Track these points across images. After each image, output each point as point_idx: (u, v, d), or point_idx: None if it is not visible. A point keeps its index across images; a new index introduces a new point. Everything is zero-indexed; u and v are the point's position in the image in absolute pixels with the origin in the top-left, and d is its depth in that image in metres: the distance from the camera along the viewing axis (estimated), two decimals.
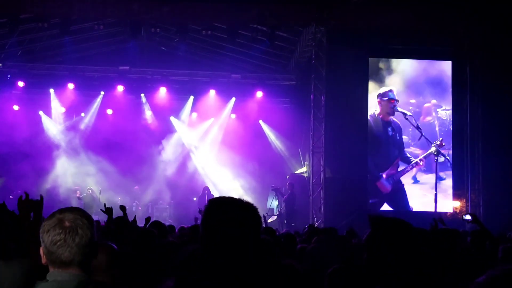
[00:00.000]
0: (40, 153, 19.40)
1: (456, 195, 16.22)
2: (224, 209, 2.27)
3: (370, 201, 16.09)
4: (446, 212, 15.62)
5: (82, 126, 20.55)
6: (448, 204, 16.08)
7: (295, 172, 18.89)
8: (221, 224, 2.22)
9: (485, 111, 16.12)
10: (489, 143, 15.95)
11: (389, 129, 16.43)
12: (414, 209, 16.02)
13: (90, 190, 18.80)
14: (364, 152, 16.17)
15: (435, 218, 7.13)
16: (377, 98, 16.42)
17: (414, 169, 16.29)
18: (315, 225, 13.28)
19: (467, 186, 16.22)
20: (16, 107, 19.83)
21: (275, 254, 4.39)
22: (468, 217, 7.13)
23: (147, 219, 7.52)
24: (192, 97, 20.42)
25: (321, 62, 16.61)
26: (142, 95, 20.40)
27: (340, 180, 15.64)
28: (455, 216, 15.50)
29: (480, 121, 16.19)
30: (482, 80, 16.19)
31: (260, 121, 20.65)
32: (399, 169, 16.25)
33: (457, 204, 16.18)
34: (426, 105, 16.64)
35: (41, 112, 20.27)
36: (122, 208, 7.07)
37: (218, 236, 2.21)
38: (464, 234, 7.45)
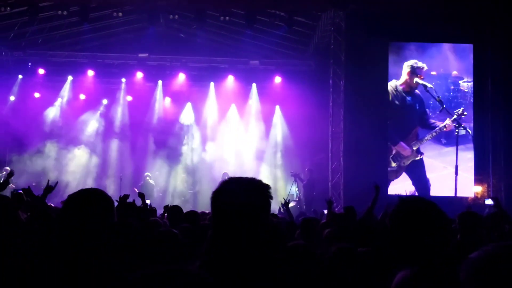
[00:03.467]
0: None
1: (478, 180, 16.09)
2: (231, 189, 2.17)
3: (388, 168, 16.14)
4: (467, 197, 15.52)
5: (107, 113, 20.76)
6: (469, 187, 15.96)
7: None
8: (228, 205, 2.12)
9: (508, 95, 15.93)
10: (511, 128, 15.78)
11: (409, 98, 16.44)
12: (431, 181, 16.06)
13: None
14: (384, 137, 16.08)
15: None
16: (408, 68, 16.41)
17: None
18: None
19: (489, 171, 16.08)
20: (37, 95, 20.00)
21: (283, 236, 4.39)
22: (489, 201, 7.09)
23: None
24: (212, 84, 20.40)
25: (340, 47, 16.49)
26: (160, 82, 20.43)
27: (360, 166, 15.55)
28: (476, 201, 15.39)
29: (503, 105, 16.01)
30: (504, 63, 15.98)
31: (277, 107, 20.57)
32: (419, 137, 16.27)
33: (479, 189, 16.06)
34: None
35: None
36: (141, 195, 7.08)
37: (226, 217, 2.13)
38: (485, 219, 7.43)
